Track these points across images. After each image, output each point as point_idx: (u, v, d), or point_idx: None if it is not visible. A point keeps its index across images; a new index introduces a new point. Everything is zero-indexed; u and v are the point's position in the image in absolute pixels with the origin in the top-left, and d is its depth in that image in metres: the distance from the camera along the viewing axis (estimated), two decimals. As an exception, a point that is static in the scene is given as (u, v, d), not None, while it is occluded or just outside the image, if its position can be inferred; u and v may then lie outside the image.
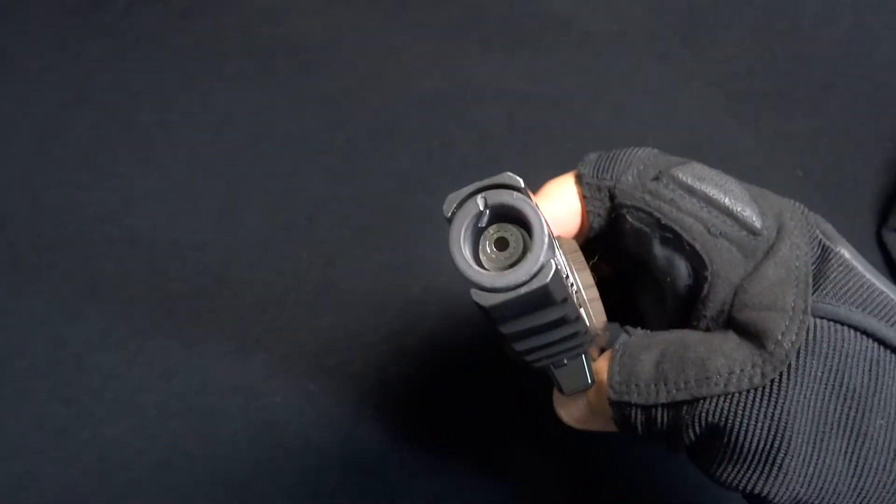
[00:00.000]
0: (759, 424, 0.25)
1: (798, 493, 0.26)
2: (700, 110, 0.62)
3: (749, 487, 0.26)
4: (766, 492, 0.26)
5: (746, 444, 0.26)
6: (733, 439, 0.26)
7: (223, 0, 0.64)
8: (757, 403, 0.26)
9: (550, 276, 0.22)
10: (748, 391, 0.26)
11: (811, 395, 0.25)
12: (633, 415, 0.28)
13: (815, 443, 0.25)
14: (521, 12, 0.66)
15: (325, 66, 0.62)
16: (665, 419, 0.27)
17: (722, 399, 0.26)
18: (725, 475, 0.27)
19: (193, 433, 0.44)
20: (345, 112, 0.59)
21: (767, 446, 0.25)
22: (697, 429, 0.27)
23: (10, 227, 0.52)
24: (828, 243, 0.30)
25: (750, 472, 0.26)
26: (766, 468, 0.26)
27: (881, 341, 0.26)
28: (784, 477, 0.26)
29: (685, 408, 0.27)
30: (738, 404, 0.26)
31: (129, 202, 0.53)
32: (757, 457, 0.26)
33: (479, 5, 0.66)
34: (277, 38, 0.62)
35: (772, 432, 0.25)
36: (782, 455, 0.25)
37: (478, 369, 0.47)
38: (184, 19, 0.63)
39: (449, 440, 0.45)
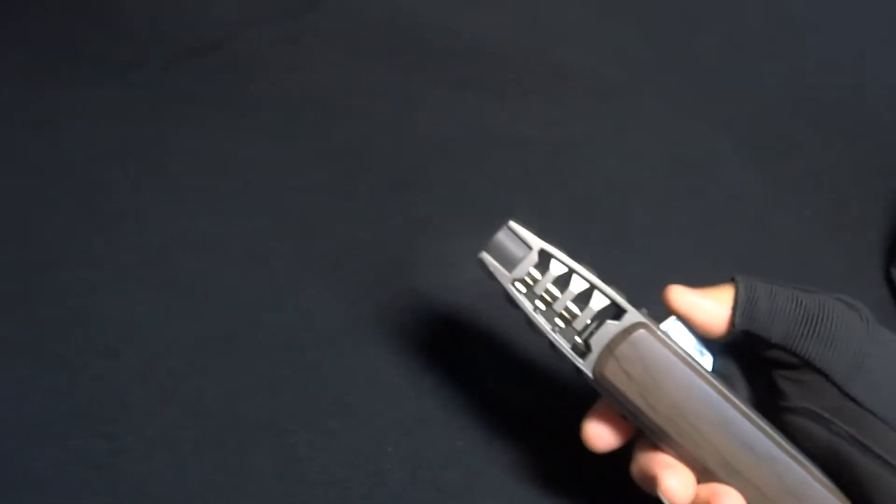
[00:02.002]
0: None
1: None
2: (708, 154, 0.64)
3: None
4: None
5: None
6: None
7: (253, 57, 0.68)
8: None
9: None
10: None
11: None
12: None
13: None
14: (533, 63, 0.69)
15: (348, 117, 0.65)
16: None
17: None
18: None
19: (225, 468, 0.47)
20: (366, 160, 0.62)
21: None
22: None
23: (56, 272, 0.55)
24: None
25: None
26: None
27: None
28: None
29: None
30: None
31: (165, 249, 0.56)
32: None
33: (494, 57, 0.69)
34: (303, 92, 0.66)
35: None
36: None
37: (495, 408, 0.49)
38: (216, 76, 0.67)
39: (468, 475, 0.47)
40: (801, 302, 0.33)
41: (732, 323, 0.33)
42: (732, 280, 0.35)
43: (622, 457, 0.46)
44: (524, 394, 0.51)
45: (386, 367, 0.51)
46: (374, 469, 0.47)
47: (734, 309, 0.33)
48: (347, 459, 0.47)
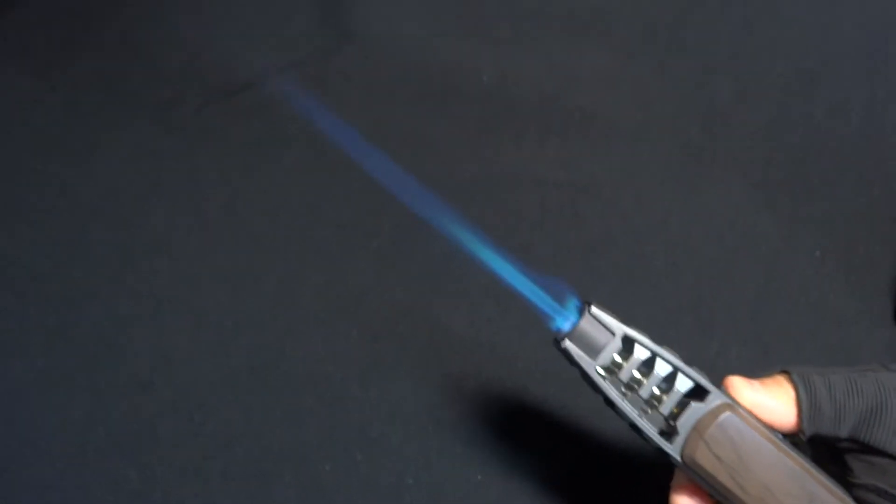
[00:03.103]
0: None
1: None
2: (721, 196, 0.66)
3: None
4: None
5: None
6: None
7: (282, 99, 0.71)
8: None
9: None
10: None
11: None
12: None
13: None
14: (550, 106, 0.71)
15: (372, 156, 0.68)
16: None
17: None
18: None
19: (251, 498, 0.49)
20: (390, 199, 0.65)
21: None
22: None
23: (92, 305, 0.58)
24: None
25: None
26: None
27: None
28: None
29: None
30: None
31: (197, 283, 0.58)
32: None
33: (512, 100, 0.72)
34: (329, 132, 0.69)
35: None
36: None
37: (514, 442, 0.51)
38: (247, 117, 0.70)
39: (485, 509, 0.48)
40: (861, 390, 0.33)
41: (800, 427, 0.33)
42: (785, 372, 0.34)
43: (640, 490, 0.48)
44: (543, 429, 0.52)
45: (407, 401, 0.53)
46: (395, 501, 0.49)
47: (799, 415, 0.33)
48: (370, 491, 0.49)
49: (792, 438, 0.35)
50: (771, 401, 0.33)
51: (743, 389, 0.34)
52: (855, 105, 0.65)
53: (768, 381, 0.34)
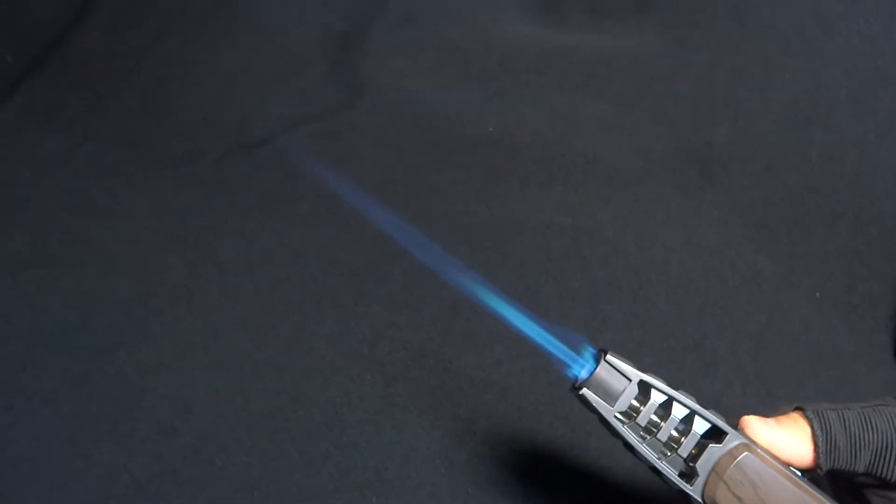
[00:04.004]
0: None
1: None
2: (720, 237, 0.68)
3: None
4: None
5: None
6: None
7: (297, 152, 0.75)
8: None
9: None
10: None
11: None
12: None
13: None
14: (553, 153, 0.74)
15: (383, 205, 0.71)
16: None
17: None
18: None
19: (270, 540, 0.50)
20: (400, 246, 0.67)
21: None
22: None
23: (116, 352, 0.60)
24: None
25: None
26: None
27: None
28: None
29: None
30: None
31: (216, 330, 0.61)
32: None
33: (517, 148, 0.74)
34: (342, 183, 0.72)
35: None
36: None
37: (525, 481, 0.52)
38: (263, 170, 0.73)
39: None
40: (875, 426, 0.34)
41: (817, 464, 0.34)
42: (800, 409, 0.35)
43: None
44: (553, 470, 0.53)
45: (421, 444, 0.54)
46: (410, 542, 0.50)
47: (816, 451, 0.34)
48: (385, 532, 0.50)
49: (810, 475, 0.36)
50: (788, 438, 0.34)
51: (759, 428, 0.35)
52: (848, 147, 0.68)
53: (784, 419, 0.35)
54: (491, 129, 0.75)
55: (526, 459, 0.54)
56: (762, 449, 0.34)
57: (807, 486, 0.34)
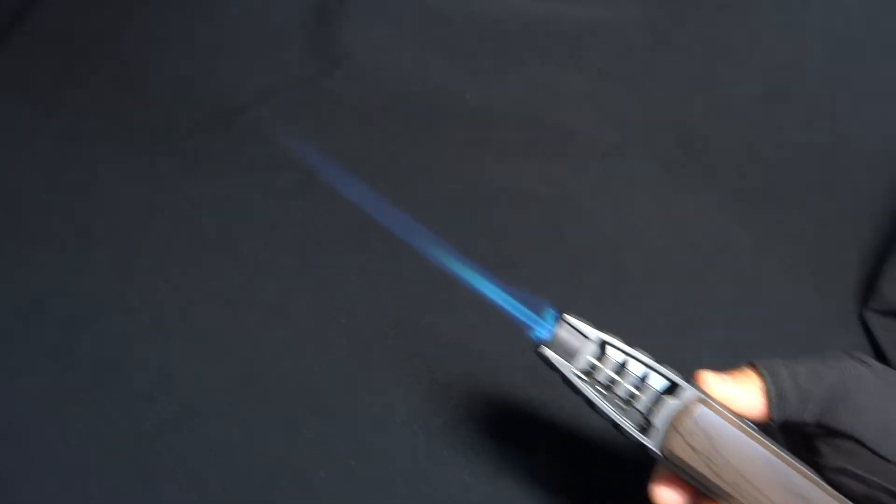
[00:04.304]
0: None
1: None
2: (695, 207, 0.69)
3: None
4: None
5: None
6: None
7: (273, 122, 0.74)
8: None
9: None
10: None
11: None
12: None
13: None
14: (532, 124, 0.74)
15: (361, 177, 0.71)
16: None
17: None
18: None
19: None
20: (378, 215, 0.67)
21: None
22: None
23: (93, 322, 0.60)
24: None
25: None
26: None
27: None
28: None
29: None
30: None
31: (195, 301, 0.61)
32: None
33: (497, 120, 0.75)
34: (320, 154, 0.72)
35: None
36: None
37: (500, 444, 0.53)
38: (239, 141, 0.73)
39: (473, 510, 0.51)
40: (823, 378, 0.35)
41: (769, 416, 0.36)
42: (752, 365, 0.37)
43: (624, 485, 0.50)
44: (528, 431, 0.54)
45: (398, 409, 0.55)
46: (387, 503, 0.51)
47: (767, 404, 0.35)
48: (363, 495, 0.51)
49: (764, 427, 0.37)
50: (741, 391, 0.36)
51: (713, 383, 0.36)
52: (822, 120, 0.69)
53: (737, 374, 0.37)
54: (469, 99, 0.75)
55: (501, 422, 0.55)
56: (717, 402, 0.36)
57: (759, 436, 0.35)
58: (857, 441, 0.35)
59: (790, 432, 0.38)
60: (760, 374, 0.36)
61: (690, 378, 0.37)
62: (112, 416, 0.55)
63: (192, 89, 0.77)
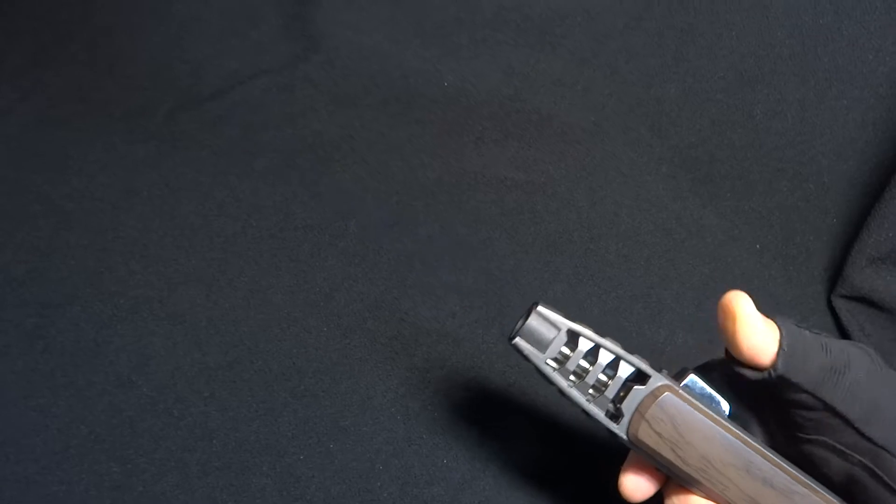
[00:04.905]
0: None
1: None
2: (668, 192, 0.70)
3: None
4: None
5: None
6: None
7: (250, 106, 0.74)
8: None
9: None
10: None
11: None
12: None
13: None
14: (508, 109, 0.75)
15: (339, 161, 0.71)
16: None
17: None
18: None
19: (229, 487, 0.51)
20: (357, 201, 0.68)
21: None
22: None
23: (71, 307, 0.59)
24: None
25: None
26: None
27: None
28: None
29: None
30: None
31: (173, 285, 0.61)
32: None
33: (474, 105, 0.75)
34: (298, 138, 0.72)
35: None
36: None
37: (477, 426, 0.54)
38: (216, 124, 0.72)
39: (453, 489, 0.52)
40: (830, 351, 0.36)
41: (774, 363, 0.36)
42: (773, 319, 0.37)
43: (596, 469, 0.51)
44: (504, 415, 0.56)
45: (376, 392, 0.56)
46: (366, 487, 0.52)
47: (777, 353, 0.36)
48: (342, 478, 0.52)
49: (737, 416, 0.38)
50: (762, 327, 0.36)
51: (745, 303, 0.37)
52: (790, 105, 0.70)
53: (764, 317, 0.37)
54: (446, 83, 0.75)
55: (478, 406, 0.56)
56: (682, 390, 0.37)
57: (723, 422, 0.37)
58: (843, 418, 0.36)
59: (774, 399, 0.38)
60: (779, 326, 0.37)
61: (668, 368, 0.39)
62: (90, 399, 0.55)
63: (167, 71, 0.76)
